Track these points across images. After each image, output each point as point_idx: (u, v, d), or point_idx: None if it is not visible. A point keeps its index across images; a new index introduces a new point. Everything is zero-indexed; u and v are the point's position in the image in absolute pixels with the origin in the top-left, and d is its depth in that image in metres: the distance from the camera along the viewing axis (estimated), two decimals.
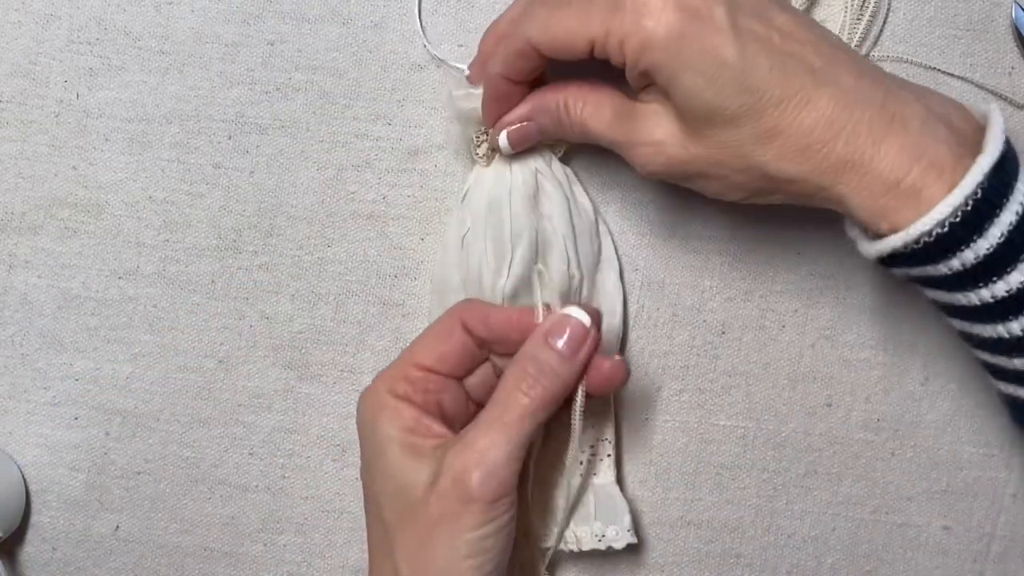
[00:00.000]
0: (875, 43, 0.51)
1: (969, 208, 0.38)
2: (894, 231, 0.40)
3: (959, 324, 0.43)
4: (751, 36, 0.40)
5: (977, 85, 0.51)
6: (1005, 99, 0.52)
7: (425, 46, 0.51)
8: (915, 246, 0.39)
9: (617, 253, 0.52)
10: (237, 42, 0.51)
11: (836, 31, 0.51)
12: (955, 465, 0.53)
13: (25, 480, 0.53)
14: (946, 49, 0.52)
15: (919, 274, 0.42)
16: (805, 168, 0.41)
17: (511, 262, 0.48)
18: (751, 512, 0.54)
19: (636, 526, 0.51)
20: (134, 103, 0.51)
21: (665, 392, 0.53)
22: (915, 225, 0.39)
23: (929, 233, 0.39)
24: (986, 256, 0.39)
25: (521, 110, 0.47)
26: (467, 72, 0.48)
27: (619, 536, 0.50)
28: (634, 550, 0.53)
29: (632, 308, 0.52)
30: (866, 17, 0.50)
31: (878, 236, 0.41)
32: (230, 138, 0.52)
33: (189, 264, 0.52)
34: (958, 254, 0.39)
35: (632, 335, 0.53)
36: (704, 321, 0.53)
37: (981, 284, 0.40)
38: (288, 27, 0.51)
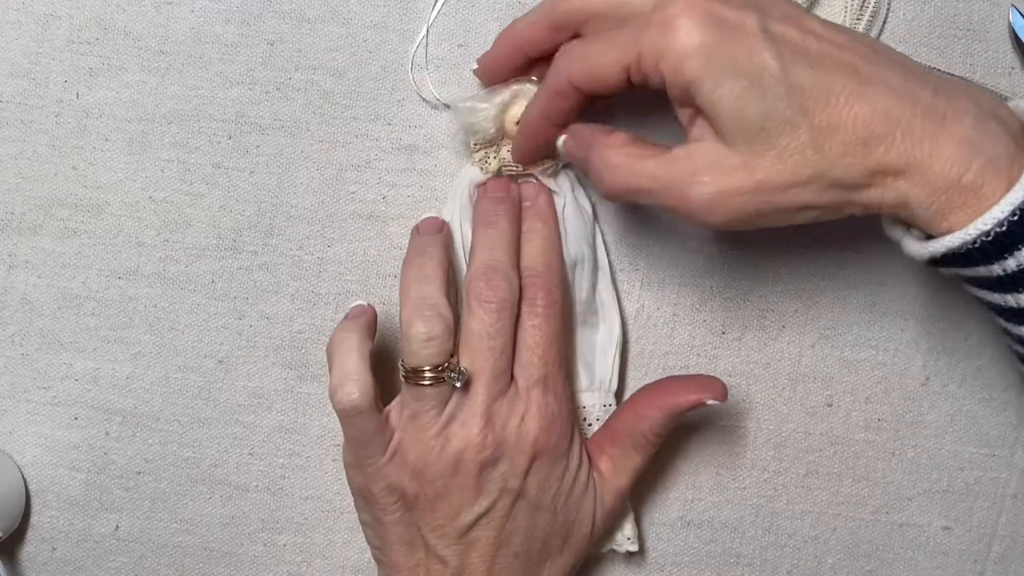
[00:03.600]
0: None
1: None
2: (952, 230, 0.39)
3: (1008, 325, 0.42)
4: (785, 41, 0.40)
5: (977, 85, 0.51)
6: (1005, 99, 0.51)
7: (429, 94, 0.51)
8: (972, 246, 0.39)
9: (610, 259, 0.51)
10: (237, 42, 0.51)
11: None
12: (956, 465, 0.53)
13: (25, 480, 0.53)
14: (946, 49, 0.51)
15: (971, 275, 0.41)
16: (870, 164, 0.40)
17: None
18: (751, 512, 0.54)
19: (637, 529, 0.51)
20: (134, 103, 0.51)
21: None
22: (975, 224, 0.39)
23: (988, 232, 0.38)
24: None
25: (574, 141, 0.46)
26: (475, 67, 0.48)
27: (620, 543, 0.51)
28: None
29: (632, 308, 0.52)
30: (866, 17, 0.50)
31: (929, 237, 0.41)
32: (230, 138, 0.52)
33: (189, 264, 0.52)
34: (1015, 253, 0.39)
35: (632, 335, 0.52)
36: (704, 321, 0.53)
37: None
38: (288, 27, 0.51)
